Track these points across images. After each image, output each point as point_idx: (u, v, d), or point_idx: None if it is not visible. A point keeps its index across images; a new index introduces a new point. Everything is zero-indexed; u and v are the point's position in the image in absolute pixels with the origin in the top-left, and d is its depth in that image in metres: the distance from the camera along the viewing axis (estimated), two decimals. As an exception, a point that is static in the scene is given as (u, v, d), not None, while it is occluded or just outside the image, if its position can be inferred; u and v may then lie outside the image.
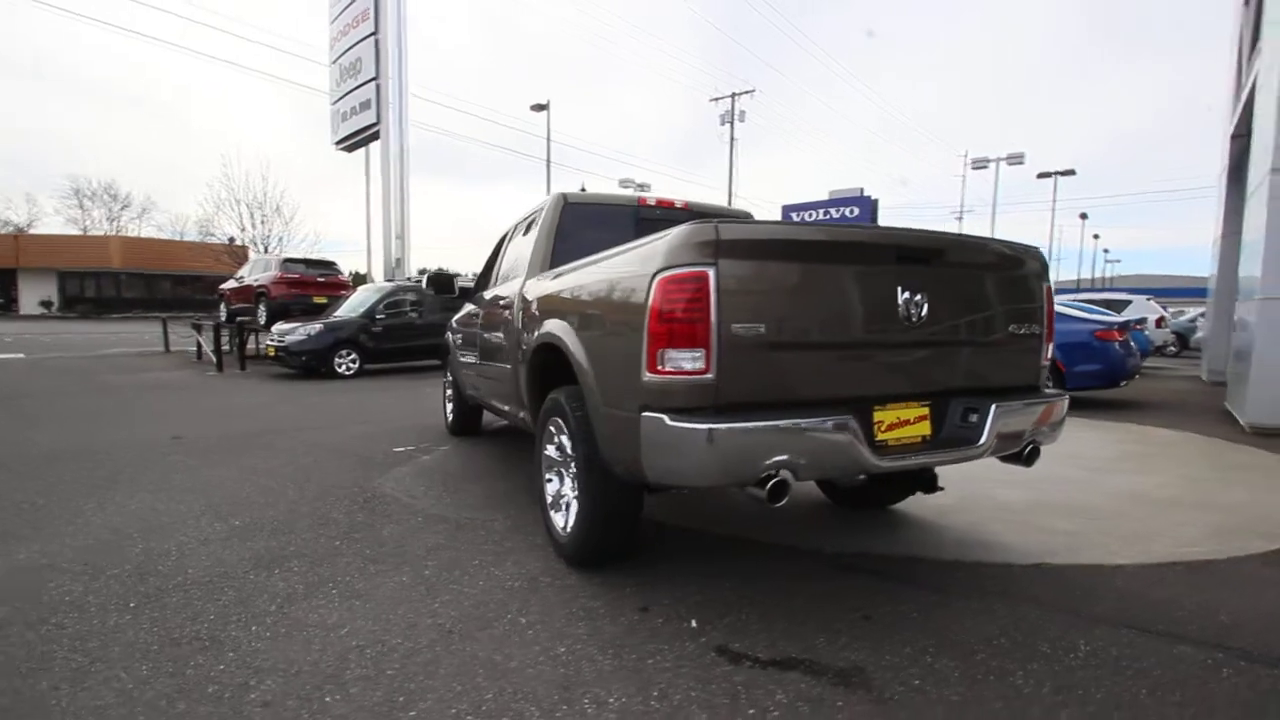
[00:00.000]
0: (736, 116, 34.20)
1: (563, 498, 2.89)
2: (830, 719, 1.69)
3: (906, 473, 2.51)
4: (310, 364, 10.62)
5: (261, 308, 13.13)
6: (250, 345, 12.93)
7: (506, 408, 3.85)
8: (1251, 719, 1.69)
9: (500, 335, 3.78)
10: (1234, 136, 8.99)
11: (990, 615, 2.26)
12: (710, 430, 1.84)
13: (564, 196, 3.61)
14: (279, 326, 11.27)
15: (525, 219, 4.28)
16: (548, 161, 26.15)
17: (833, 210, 26.39)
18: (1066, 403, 2.55)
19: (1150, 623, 2.20)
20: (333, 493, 3.85)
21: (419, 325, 11.89)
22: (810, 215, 26.18)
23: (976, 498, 3.57)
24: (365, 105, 15.89)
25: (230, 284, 14.72)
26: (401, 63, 15.11)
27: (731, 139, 34.27)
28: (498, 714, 1.73)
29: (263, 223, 24.79)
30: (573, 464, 2.76)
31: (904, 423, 2.21)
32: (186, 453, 4.93)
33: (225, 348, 12.34)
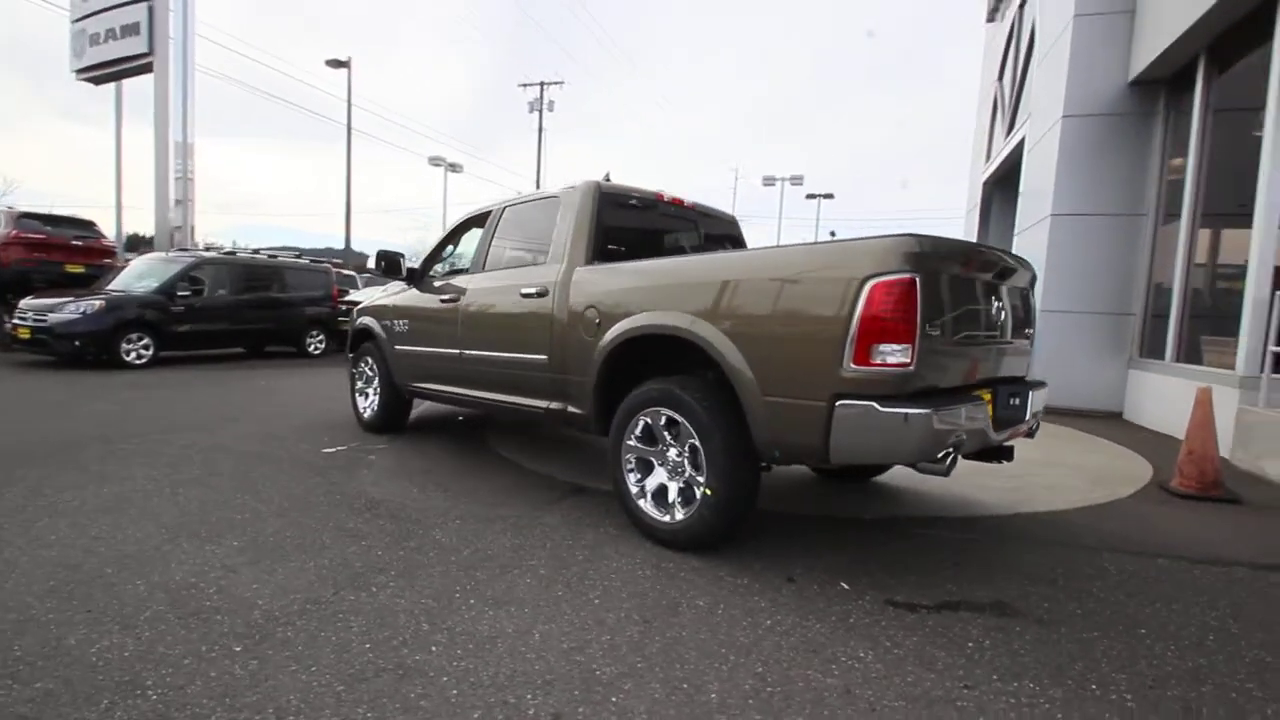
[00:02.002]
0: (546, 106, 34.18)
1: (647, 486, 2.95)
2: (1021, 639, 2.11)
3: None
4: (84, 350, 8.47)
5: (-18, 277, 10.01)
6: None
7: (523, 400, 3.67)
8: (1238, 597, 2.49)
9: (524, 325, 3.59)
10: (985, 182, 11.67)
11: (1034, 553, 2.91)
12: (924, 414, 2.14)
13: (599, 185, 3.57)
14: (30, 302, 8.75)
15: (524, 202, 4.09)
16: (348, 126, 23.50)
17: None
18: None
19: (1125, 546, 3.03)
20: (310, 501, 3.34)
21: (232, 306, 10.12)
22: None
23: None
24: (130, 30, 12.82)
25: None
26: (188, -13, 12.52)
27: (540, 128, 34.12)
28: (787, 680, 1.84)
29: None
30: (672, 451, 2.85)
31: (981, 405, 2.73)
32: (34, 465, 3.79)
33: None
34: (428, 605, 2.25)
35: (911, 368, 2.20)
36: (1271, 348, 4.53)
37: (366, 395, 5.35)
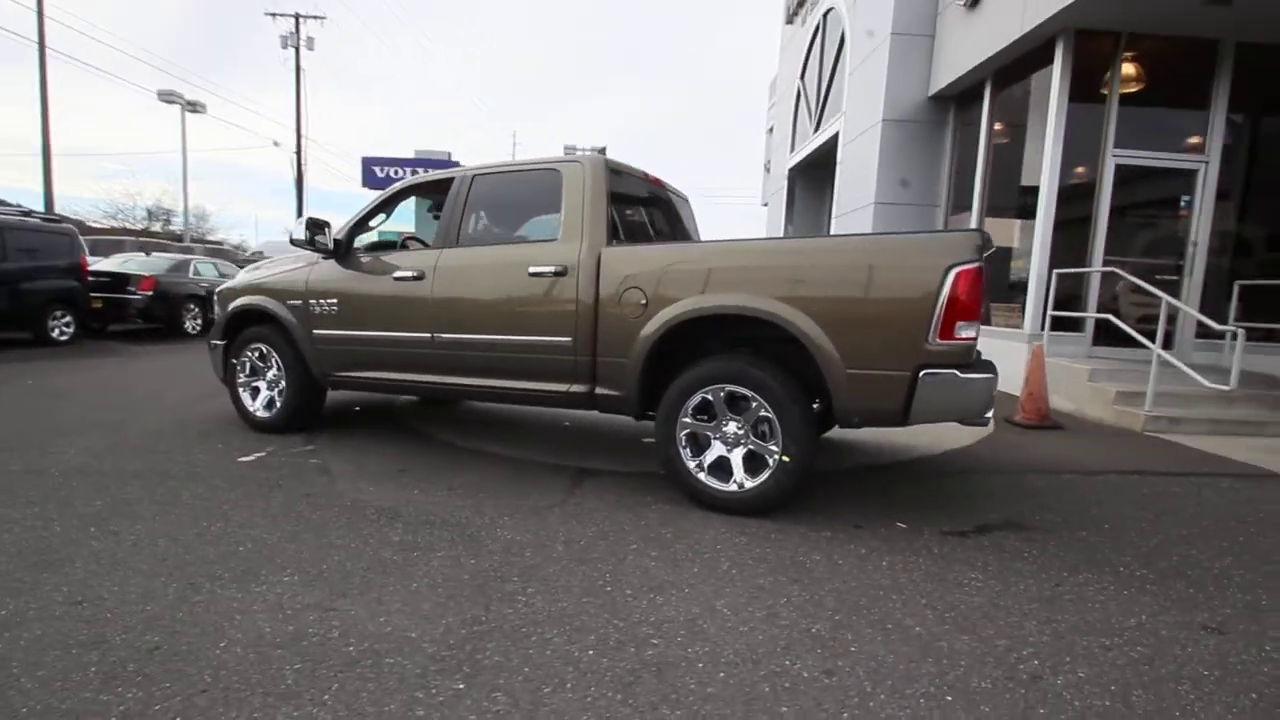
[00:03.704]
0: (304, 43, 29.70)
1: (705, 460, 3.09)
2: (1046, 545, 2.76)
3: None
4: None
5: None
6: None
7: (533, 384, 3.49)
8: (1134, 495, 3.48)
9: (537, 305, 3.40)
10: (791, 169, 13.26)
11: (982, 480, 3.69)
12: (989, 379, 2.64)
13: (607, 160, 3.50)
14: None
15: (503, 172, 3.79)
16: (41, 45, 17.76)
17: (420, 169, 26.01)
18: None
19: (1033, 467, 3.98)
20: (305, 519, 2.87)
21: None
22: (395, 171, 25.26)
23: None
24: None
25: None
26: None
27: (298, 68, 29.54)
28: (950, 606, 2.20)
29: None
30: (731, 424, 3.02)
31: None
32: None
33: None
34: (593, 603, 2.18)
35: (977, 341, 2.68)
36: (1051, 311, 6.12)
37: (258, 391, 4.51)
